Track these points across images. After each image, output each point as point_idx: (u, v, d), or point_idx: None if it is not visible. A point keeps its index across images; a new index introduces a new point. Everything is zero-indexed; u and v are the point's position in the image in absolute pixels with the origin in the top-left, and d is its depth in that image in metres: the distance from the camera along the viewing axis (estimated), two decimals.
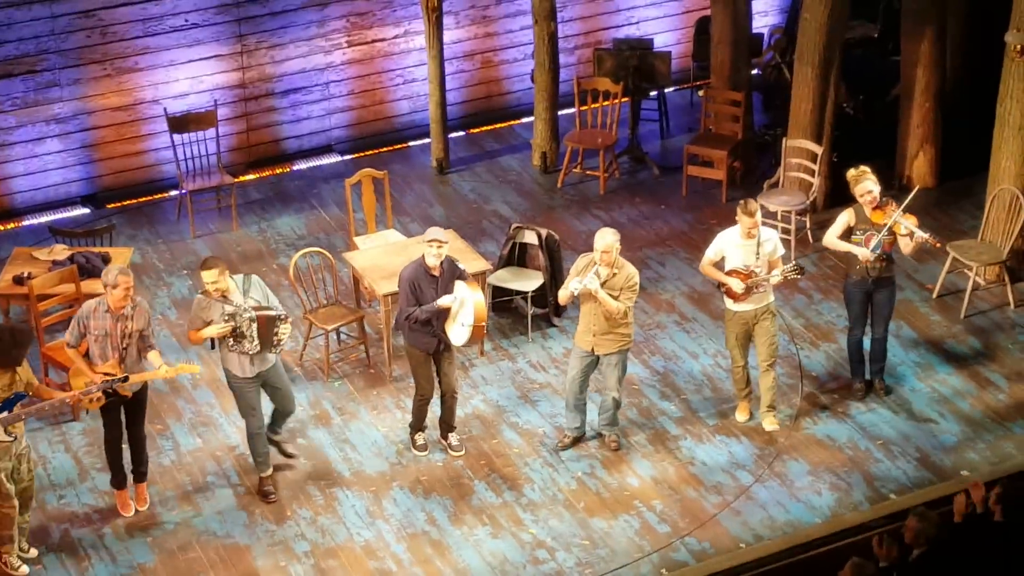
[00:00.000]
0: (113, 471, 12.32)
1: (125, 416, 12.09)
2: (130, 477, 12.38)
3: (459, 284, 12.48)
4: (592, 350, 12.64)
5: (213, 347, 12.30)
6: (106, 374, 11.65)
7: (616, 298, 12.39)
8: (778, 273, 12.68)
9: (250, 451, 12.53)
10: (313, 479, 12.75)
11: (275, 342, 12.08)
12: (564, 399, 13.10)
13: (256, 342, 11.96)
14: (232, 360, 12.08)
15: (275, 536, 12.17)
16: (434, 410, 13.04)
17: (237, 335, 11.92)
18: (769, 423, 13.17)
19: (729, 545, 12.01)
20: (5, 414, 11.11)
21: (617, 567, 11.83)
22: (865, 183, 12.89)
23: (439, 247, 12.29)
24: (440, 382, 12.82)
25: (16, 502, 11.43)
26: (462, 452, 13.03)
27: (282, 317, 12.04)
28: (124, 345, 11.72)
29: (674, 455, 12.98)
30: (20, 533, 11.65)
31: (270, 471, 12.58)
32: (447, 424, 13.06)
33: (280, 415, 12.67)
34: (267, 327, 11.98)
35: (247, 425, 12.35)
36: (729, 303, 12.86)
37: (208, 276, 11.83)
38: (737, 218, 12.64)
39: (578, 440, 13.08)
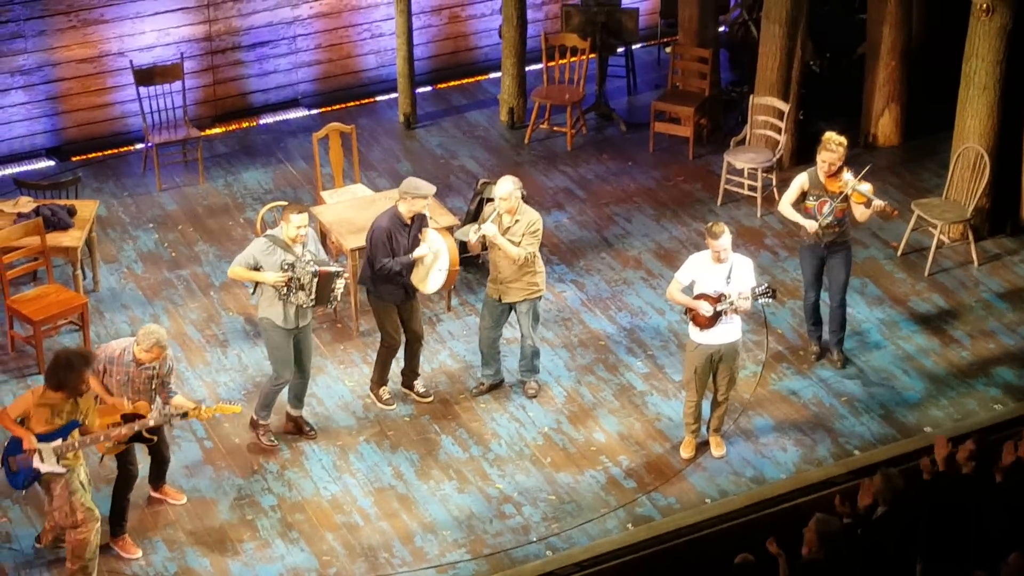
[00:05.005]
0: (121, 518, 11.70)
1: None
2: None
3: (430, 232, 12.49)
4: (500, 298, 12.68)
5: (254, 291, 12.22)
6: (136, 415, 11.15)
7: (518, 244, 12.43)
8: (747, 296, 11.90)
9: (261, 399, 12.43)
10: (279, 433, 12.76)
11: (331, 298, 12.10)
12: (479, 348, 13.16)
13: (313, 296, 11.96)
14: (275, 309, 12.02)
15: (242, 490, 12.19)
16: (398, 362, 13.08)
17: (294, 286, 11.91)
18: (716, 446, 12.58)
19: (695, 500, 12.09)
20: (59, 442, 10.64)
21: (583, 522, 11.89)
22: (823, 153, 12.65)
23: (423, 202, 12.33)
24: (406, 330, 12.83)
25: (98, 527, 10.95)
26: (430, 398, 13.08)
27: (341, 273, 12.06)
28: (152, 388, 11.31)
29: (640, 411, 13.03)
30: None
31: (269, 421, 12.58)
32: (412, 372, 13.07)
33: (299, 382, 12.50)
34: (327, 283, 12.00)
35: (276, 375, 12.26)
36: (694, 333, 12.05)
37: (301, 220, 11.84)
38: (706, 242, 11.95)
39: (494, 387, 13.15)
